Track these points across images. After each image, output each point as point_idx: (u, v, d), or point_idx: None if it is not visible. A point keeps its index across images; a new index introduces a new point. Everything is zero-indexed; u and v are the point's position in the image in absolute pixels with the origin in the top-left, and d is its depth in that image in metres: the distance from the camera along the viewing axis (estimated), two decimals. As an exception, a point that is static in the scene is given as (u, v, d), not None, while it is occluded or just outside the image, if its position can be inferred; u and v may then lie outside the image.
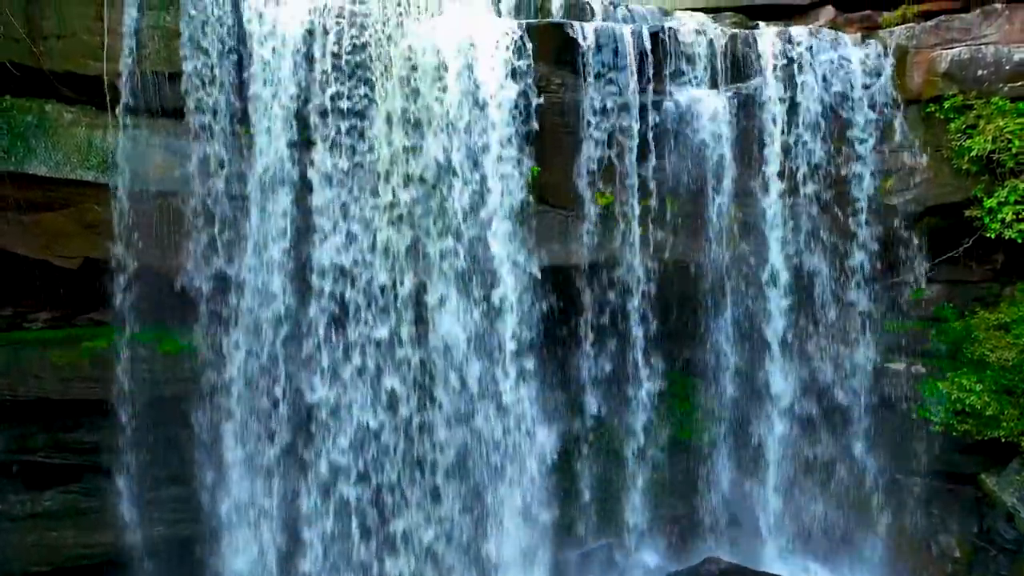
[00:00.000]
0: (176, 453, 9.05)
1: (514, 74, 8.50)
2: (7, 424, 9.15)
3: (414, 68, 8.43)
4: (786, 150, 9.38)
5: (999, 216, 9.15)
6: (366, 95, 8.45)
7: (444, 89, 8.37)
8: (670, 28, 9.23)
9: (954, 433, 9.39)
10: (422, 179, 8.50)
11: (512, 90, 8.48)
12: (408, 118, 8.45)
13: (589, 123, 8.86)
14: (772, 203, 9.40)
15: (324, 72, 8.40)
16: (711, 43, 9.27)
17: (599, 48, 8.80)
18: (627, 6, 10.09)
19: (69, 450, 9.34)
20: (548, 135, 8.80)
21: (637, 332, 9.32)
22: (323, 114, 8.42)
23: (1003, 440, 9.12)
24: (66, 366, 8.96)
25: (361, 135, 8.49)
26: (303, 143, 8.51)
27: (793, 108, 9.35)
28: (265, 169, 8.48)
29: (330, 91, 8.40)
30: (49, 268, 9.02)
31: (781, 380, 9.77)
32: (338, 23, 8.44)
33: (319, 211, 8.51)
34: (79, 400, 9.05)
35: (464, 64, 8.39)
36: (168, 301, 8.76)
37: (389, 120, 8.46)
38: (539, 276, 8.86)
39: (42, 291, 9.39)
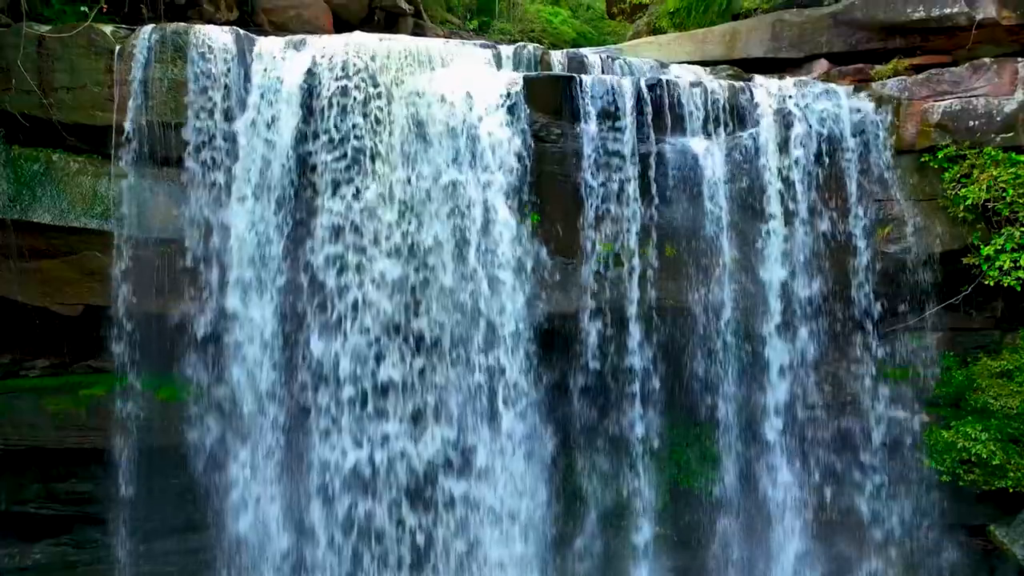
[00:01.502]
0: (171, 504, 8.89)
1: (514, 124, 8.64)
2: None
3: (415, 118, 8.55)
4: (783, 198, 9.48)
5: (997, 264, 9.20)
6: (363, 141, 8.54)
7: (443, 136, 8.50)
8: (667, 80, 9.43)
9: (961, 483, 9.25)
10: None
11: (512, 140, 8.60)
12: (408, 162, 8.55)
13: (588, 172, 8.97)
14: (770, 250, 9.45)
15: (323, 122, 8.51)
16: (708, 94, 9.45)
17: (598, 99, 8.98)
18: (625, 59, 10.33)
19: (61, 500, 9.18)
20: (548, 184, 8.91)
21: (637, 378, 9.26)
22: (320, 164, 8.52)
23: (1011, 490, 8.99)
24: (62, 414, 8.87)
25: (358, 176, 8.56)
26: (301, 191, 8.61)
27: (789, 157, 9.48)
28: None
29: (327, 139, 8.49)
30: (48, 315, 9.01)
31: (782, 427, 9.66)
32: (339, 75, 8.55)
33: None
34: (73, 449, 8.93)
35: (464, 114, 8.53)
36: (167, 349, 8.73)
37: (388, 161, 8.57)
38: (539, 322, 8.89)
39: (41, 338, 9.37)
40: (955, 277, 9.70)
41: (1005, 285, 9.21)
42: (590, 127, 8.96)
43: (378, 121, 8.56)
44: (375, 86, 8.58)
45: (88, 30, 8.57)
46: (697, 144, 9.32)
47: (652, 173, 9.12)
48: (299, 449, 8.73)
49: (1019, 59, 9.64)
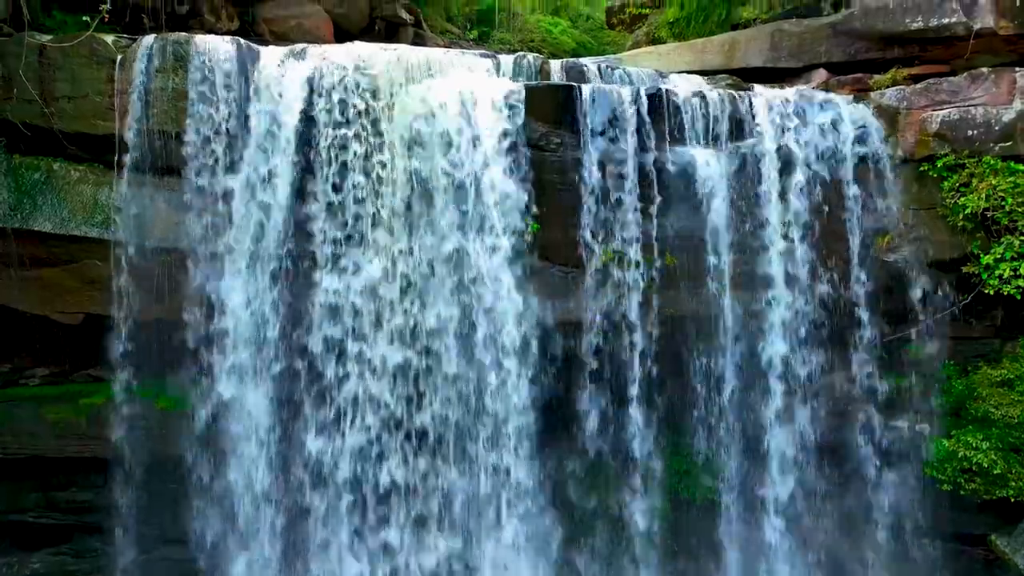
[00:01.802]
0: (171, 513, 8.87)
1: (513, 133, 8.66)
2: (-1, 482, 9.02)
3: (418, 174, 8.48)
4: (783, 207, 9.49)
5: (996, 272, 9.21)
6: (364, 206, 8.46)
7: (443, 143, 8.46)
8: (667, 89, 9.45)
9: (962, 492, 9.22)
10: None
11: (511, 149, 8.62)
12: (410, 175, 8.53)
13: (589, 181, 8.99)
14: (771, 259, 9.45)
15: (322, 182, 8.44)
16: (708, 104, 9.47)
17: (598, 108, 9.00)
18: (624, 69, 10.36)
19: (60, 509, 9.17)
20: (548, 193, 8.93)
21: (636, 387, 9.25)
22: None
23: (1012, 500, 8.97)
24: (62, 423, 8.87)
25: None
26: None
27: (789, 166, 9.49)
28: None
29: (325, 203, 8.41)
30: (48, 323, 9.03)
31: (783, 436, 9.64)
32: (339, 121, 8.50)
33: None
34: (73, 458, 8.91)
35: (463, 122, 8.53)
36: (167, 357, 8.73)
37: (390, 229, 8.50)
38: (541, 332, 8.87)
39: (41, 347, 9.37)
40: (955, 286, 9.71)
41: (1005, 294, 9.22)
42: (590, 136, 8.98)
43: (380, 180, 8.45)
44: (378, 134, 8.48)
45: (90, 40, 8.62)
46: (698, 153, 9.31)
47: (653, 182, 9.11)
48: (296, 551, 8.55)
49: (1017, 69, 9.68)
